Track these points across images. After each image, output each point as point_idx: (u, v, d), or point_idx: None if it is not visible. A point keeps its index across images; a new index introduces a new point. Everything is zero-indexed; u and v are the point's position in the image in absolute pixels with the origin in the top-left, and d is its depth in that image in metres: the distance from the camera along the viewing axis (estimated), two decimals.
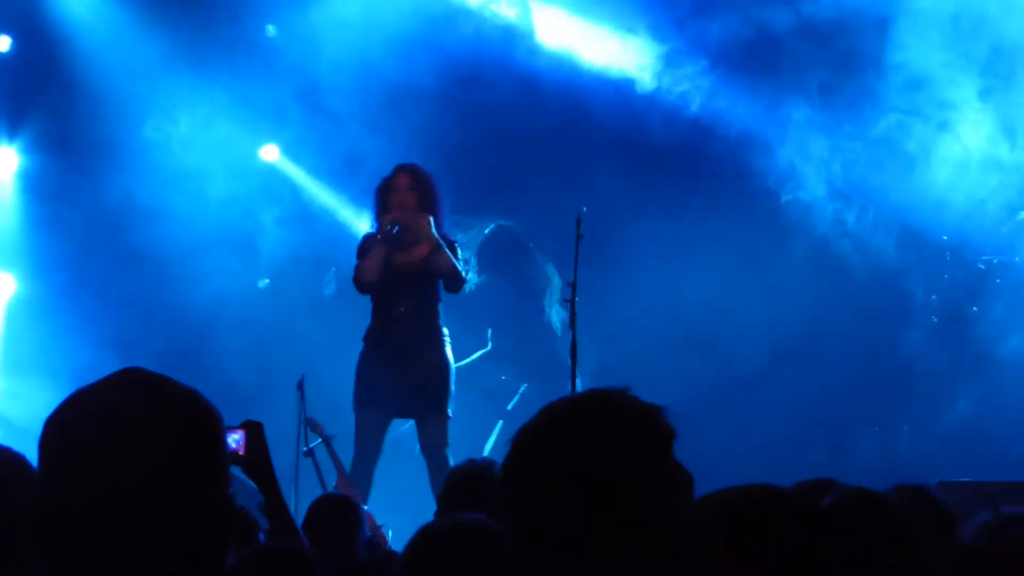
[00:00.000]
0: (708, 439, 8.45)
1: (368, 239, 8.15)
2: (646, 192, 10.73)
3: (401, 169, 8.14)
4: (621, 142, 10.73)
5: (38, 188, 10.74)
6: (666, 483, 2.08)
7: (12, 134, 10.68)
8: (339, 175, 10.98)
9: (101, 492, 1.87)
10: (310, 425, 8.22)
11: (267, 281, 11.12)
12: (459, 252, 8.10)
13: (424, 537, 2.91)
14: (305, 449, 8.17)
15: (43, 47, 10.70)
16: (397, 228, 7.91)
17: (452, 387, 8.05)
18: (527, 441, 2.12)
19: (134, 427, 1.90)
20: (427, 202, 8.02)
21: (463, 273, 8.00)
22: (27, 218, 10.74)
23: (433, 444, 7.97)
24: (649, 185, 10.73)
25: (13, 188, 10.75)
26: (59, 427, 1.93)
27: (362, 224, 9.88)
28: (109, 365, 2.04)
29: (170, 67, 10.61)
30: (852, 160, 10.60)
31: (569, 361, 7.40)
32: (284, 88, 10.83)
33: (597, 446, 2.06)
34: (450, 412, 8.03)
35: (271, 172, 11.12)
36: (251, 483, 3.86)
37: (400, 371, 7.95)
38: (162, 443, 1.90)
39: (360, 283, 8.05)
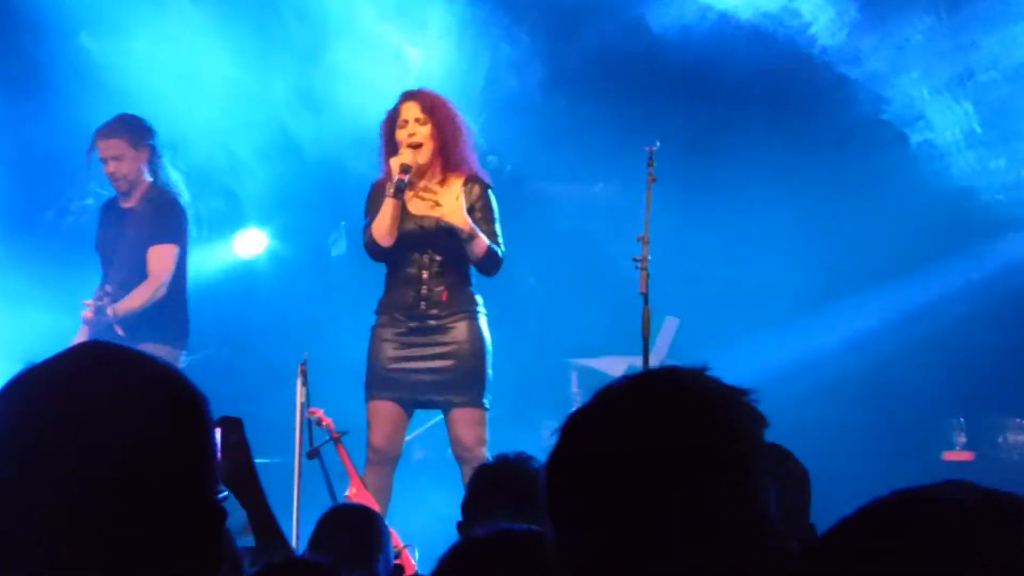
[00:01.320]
0: (817, 427, 8.40)
1: (377, 188, 8.05)
2: (732, 133, 10.66)
3: (407, 96, 8.00)
4: (701, 73, 10.65)
5: None
6: (747, 479, 2.08)
7: None
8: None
9: (48, 490, 1.85)
10: (314, 418, 8.11)
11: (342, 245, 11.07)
12: (494, 204, 7.96)
13: (457, 555, 2.89)
14: (309, 449, 8.07)
15: None
16: (406, 176, 7.78)
17: (488, 370, 7.94)
18: (577, 426, 2.14)
19: (95, 410, 1.89)
20: (444, 134, 7.90)
21: (499, 250, 7.89)
22: None
23: (465, 443, 7.84)
24: (735, 124, 10.66)
25: None
26: (2, 410, 1.91)
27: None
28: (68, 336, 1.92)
29: None
30: (991, 92, 10.41)
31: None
32: None
33: (660, 434, 2.08)
34: (486, 403, 7.91)
35: (250, 95, 10.94)
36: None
37: (422, 350, 7.89)
38: (130, 429, 1.89)
39: (372, 249, 7.98)
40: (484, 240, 7.80)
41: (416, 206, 7.93)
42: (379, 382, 7.94)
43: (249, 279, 11.13)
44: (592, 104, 10.73)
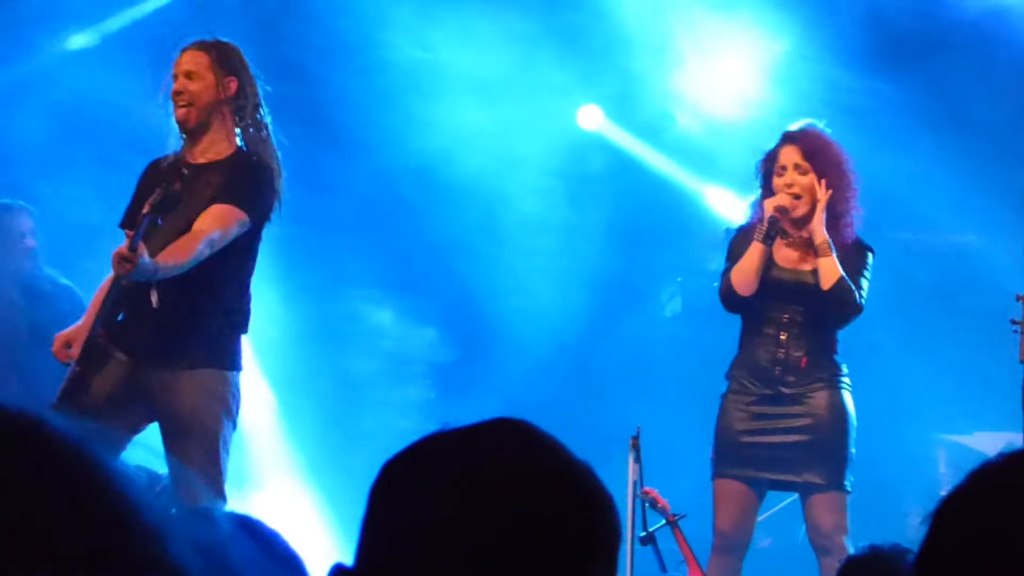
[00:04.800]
0: None
1: (742, 234, 8.03)
2: None
3: (787, 139, 7.96)
4: None
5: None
6: None
7: None
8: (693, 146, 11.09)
9: None
10: (648, 499, 8.16)
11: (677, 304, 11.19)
12: (868, 271, 7.94)
13: None
14: (643, 534, 8.10)
15: None
16: (781, 216, 7.77)
17: (851, 448, 7.91)
18: (952, 514, 2.05)
19: (527, 496, 1.97)
20: (829, 185, 7.85)
21: (856, 294, 7.81)
22: None
23: (824, 529, 7.84)
24: None
25: None
26: (415, 474, 2.00)
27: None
28: None
29: None
30: None
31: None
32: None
33: None
34: (848, 485, 7.88)
35: (586, 144, 11.25)
36: None
37: (775, 422, 7.92)
38: (559, 533, 1.96)
39: (729, 299, 7.99)
40: (848, 286, 7.74)
41: (784, 256, 7.95)
42: (729, 457, 7.93)
43: (582, 340, 11.28)
44: (963, 136, 10.62)
